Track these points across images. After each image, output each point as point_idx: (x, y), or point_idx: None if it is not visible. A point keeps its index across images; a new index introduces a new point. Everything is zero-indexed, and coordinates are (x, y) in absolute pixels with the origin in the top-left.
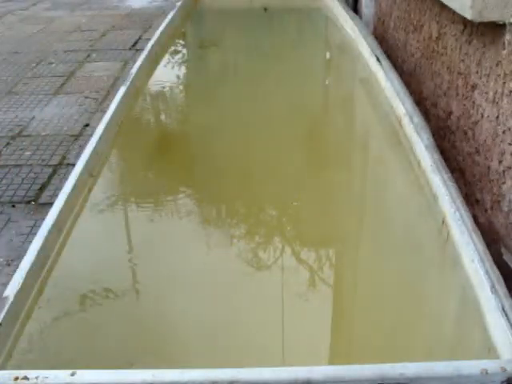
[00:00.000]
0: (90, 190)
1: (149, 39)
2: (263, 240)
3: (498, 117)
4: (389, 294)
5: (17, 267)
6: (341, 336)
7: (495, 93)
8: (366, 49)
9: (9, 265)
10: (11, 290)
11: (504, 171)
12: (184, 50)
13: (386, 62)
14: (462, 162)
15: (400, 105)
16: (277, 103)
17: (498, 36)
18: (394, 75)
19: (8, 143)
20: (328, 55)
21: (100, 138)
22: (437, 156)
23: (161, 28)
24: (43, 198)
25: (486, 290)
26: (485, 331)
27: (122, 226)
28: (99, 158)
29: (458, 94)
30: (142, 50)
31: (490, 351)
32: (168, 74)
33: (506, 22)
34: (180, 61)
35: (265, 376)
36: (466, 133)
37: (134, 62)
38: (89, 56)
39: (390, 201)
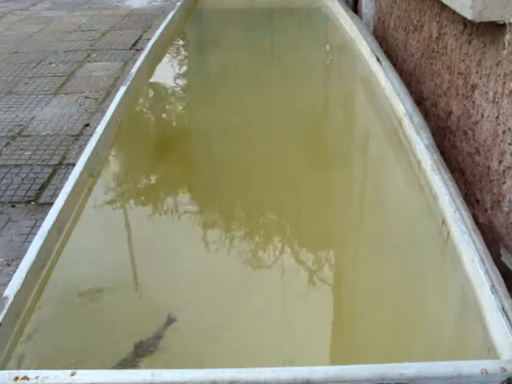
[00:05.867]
0: (90, 190)
1: (149, 39)
2: (264, 240)
3: (497, 117)
4: (389, 294)
5: (17, 267)
6: (341, 336)
7: (495, 93)
8: (366, 49)
9: (9, 265)
10: (11, 290)
11: (504, 171)
12: (184, 50)
13: (385, 62)
14: (462, 162)
15: (400, 105)
16: (277, 103)
17: (498, 36)
18: (393, 75)
19: (8, 143)
20: (328, 55)
21: (100, 138)
22: (437, 156)
23: (161, 28)
24: (43, 198)
25: (486, 290)
26: (485, 331)
27: (122, 225)
28: (99, 158)
29: (458, 94)
30: (142, 49)
31: (489, 351)
32: (168, 74)
33: (506, 21)
34: (180, 61)
35: (265, 376)
36: (466, 133)
37: (134, 62)
38: (89, 56)
39: (390, 201)
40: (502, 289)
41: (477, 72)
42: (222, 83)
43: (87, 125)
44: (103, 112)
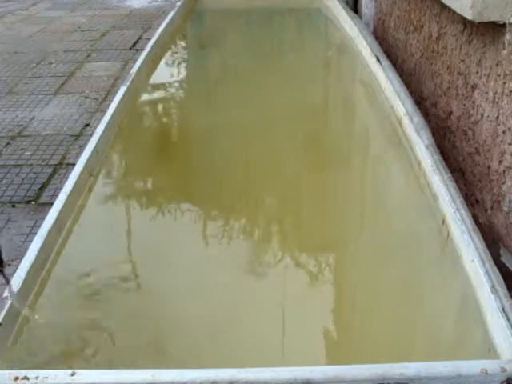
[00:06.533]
0: (90, 190)
1: (149, 39)
2: (265, 240)
3: (497, 117)
4: (389, 294)
5: (17, 267)
6: (341, 336)
7: (495, 93)
8: (366, 49)
9: (9, 265)
10: (11, 290)
11: (504, 171)
12: (184, 50)
13: (385, 62)
14: (462, 162)
15: (400, 105)
16: (277, 103)
17: (498, 36)
18: (393, 75)
19: (8, 143)
20: (328, 55)
21: (100, 137)
22: (437, 156)
23: (161, 28)
24: (43, 198)
25: (485, 290)
26: (485, 331)
27: (122, 225)
28: (99, 158)
29: (458, 94)
30: (141, 50)
31: (489, 351)
32: (168, 74)
33: (506, 21)
34: (180, 61)
35: (265, 376)
36: (465, 133)
37: (134, 62)
38: (89, 56)
39: (390, 201)
40: (502, 289)
41: (477, 72)
42: (222, 83)
43: (87, 125)
44: (103, 112)
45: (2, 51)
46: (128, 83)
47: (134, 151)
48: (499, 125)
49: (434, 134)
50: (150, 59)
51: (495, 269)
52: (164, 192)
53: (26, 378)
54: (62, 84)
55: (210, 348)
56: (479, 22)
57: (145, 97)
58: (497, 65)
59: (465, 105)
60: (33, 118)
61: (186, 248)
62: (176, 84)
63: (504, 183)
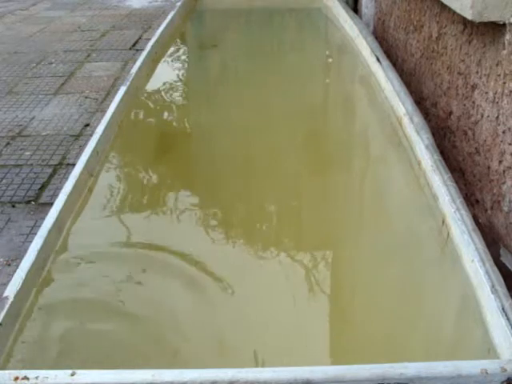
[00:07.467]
0: (90, 190)
1: (149, 39)
2: (264, 240)
3: (497, 117)
4: (389, 294)
5: (17, 267)
6: (341, 336)
7: (495, 93)
8: (365, 49)
9: (9, 265)
10: (11, 290)
11: (504, 171)
12: (184, 50)
13: (385, 62)
14: (462, 162)
15: (400, 105)
16: (277, 103)
17: (498, 36)
18: (393, 75)
19: (8, 143)
20: (328, 55)
21: (100, 138)
22: (437, 156)
23: (161, 28)
24: (43, 198)
25: (485, 290)
26: (485, 331)
27: (122, 225)
28: (99, 158)
29: (458, 94)
30: (142, 50)
31: (489, 351)
32: (168, 74)
33: (506, 21)
34: (180, 61)
35: (265, 376)
36: (465, 133)
37: (134, 62)
38: (89, 56)
39: (390, 201)
40: (502, 289)
41: (477, 72)
42: (222, 83)
43: (87, 125)
44: (103, 112)
45: (2, 51)
46: (128, 83)
47: (133, 151)
48: (499, 125)
49: (434, 134)
50: (149, 59)
51: (495, 269)
52: (164, 192)
53: (25, 377)
54: (62, 84)
55: (209, 348)
56: (479, 22)
57: (145, 97)
58: (497, 65)
59: (465, 105)
60: (33, 117)
61: (186, 247)
62: (176, 84)
63: (504, 183)
